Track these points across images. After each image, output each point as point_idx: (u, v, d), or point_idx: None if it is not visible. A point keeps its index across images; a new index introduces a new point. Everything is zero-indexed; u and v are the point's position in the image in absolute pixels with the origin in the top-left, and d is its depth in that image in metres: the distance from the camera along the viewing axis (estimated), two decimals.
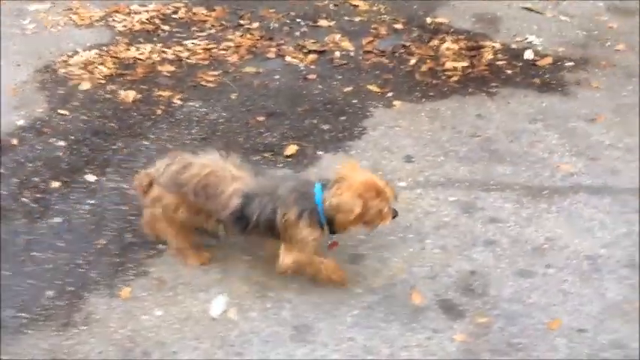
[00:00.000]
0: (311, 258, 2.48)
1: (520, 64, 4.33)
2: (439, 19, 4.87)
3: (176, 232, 2.60)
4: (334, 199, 2.30)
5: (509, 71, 4.25)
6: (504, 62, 4.36)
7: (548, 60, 4.34)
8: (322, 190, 2.37)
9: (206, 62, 4.39)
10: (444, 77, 4.21)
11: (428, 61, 4.42)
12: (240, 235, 2.52)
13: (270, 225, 2.38)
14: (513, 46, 4.52)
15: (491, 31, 4.73)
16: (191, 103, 3.90)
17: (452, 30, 4.76)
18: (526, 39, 4.60)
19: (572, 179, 3.19)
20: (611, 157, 3.34)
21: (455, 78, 4.20)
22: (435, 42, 4.63)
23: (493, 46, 4.56)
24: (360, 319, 2.50)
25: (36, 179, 3.22)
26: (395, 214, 2.43)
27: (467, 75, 4.22)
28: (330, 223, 2.40)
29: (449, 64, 4.37)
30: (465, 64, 4.37)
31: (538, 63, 4.32)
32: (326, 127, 3.71)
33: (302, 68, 4.33)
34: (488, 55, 4.47)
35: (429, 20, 4.87)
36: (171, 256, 2.78)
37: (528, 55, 4.44)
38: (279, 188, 2.38)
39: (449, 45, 4.61)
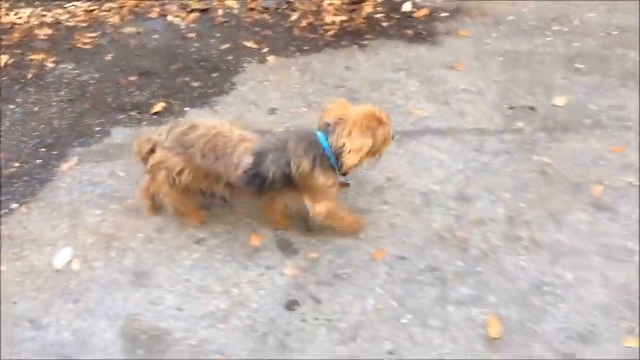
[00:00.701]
0: (337, 206, 2.53)
1: (397, 16, 4.45)
2: None
3: (177, 195, 2.56)
4: (342, 140, 2.31)
5: (385, 24, 4.35)
6: (382, 15, 4.47)
7: (425, 12, 4.46)
8: (326, 136, 2.38)
9: (85, 24, 4.36)
10: (321, 31, 4.29)
11: (309, 16, 4.49)
12: (253, 195, 2.50)
13: (286, 178, 2.38)
14: None
15: None
16: (63, 66, 3.91)
17: None
18: None
19: (421, 123, 3.35)
20: (462, 100, 3.51)
21: (332, 32, 4.28)
22: None
23: (374, 0, 4.63)
24: (198, 261, 2.62)
25: None
26: (393, 135, 2.48)
27: (344, 29, 4.31)
28: (340, 165, 2.40)
29: (328, 19, 4.45)
30: (344, 17, 4.46)
31: (414, 15, 4.44)
32: (197, 84, 3.77)
33: (182, 27, 4.36)
34: (368, 9, 4.55)
35: None
36: (22, 213, 2.84)
37: (406, 7, 4.55)
38: (288, 142, 2.39)
39: (332, 0, 4.67)
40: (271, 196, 2.53)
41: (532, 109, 3.42)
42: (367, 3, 4.61)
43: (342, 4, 4.64)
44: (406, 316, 2.39)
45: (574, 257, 2.57)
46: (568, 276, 2.50)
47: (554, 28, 4.16)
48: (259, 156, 2.38)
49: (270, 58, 3.99)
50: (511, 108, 3.43)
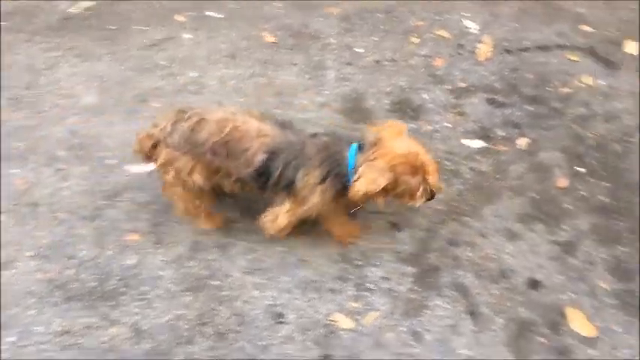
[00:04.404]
0: (300, 217, 2.22)
1: None
2: None
3: (192, 196, 2.25)
4: (364, 165, 2.00)
5: None
6: None
7: None
8: (358, 150, 2.05)
9: None
10: None
11: None
12: (257, 192, 2.21)
13: (289, 184, 2.10)
14: None
15: None
16: None
17: None
18: None
19: None
20: None
21: None
22: None
23: None
24: None
25: None
26: (429, 196, 2.09)
27: None
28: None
29: None
30: None
31: None
32: None
33: None
34: None
35: None
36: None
37: None
38: (308, 145, 2.09)
39: None
40: (273, 195, 2.22)
41: None
42: None
43: None
44: None
45: None
46: None
47: None
48: (272, 154, 2.09)
49: None
50: None
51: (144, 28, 3.62)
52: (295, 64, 3.35)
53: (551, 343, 2.15)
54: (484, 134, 2.94)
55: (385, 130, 2.08)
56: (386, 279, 2.35)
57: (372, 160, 2.00)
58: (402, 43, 3.50)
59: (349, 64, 3.35)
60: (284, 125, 2.15)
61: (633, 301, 2.27)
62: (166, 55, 3.42)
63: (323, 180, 2.08)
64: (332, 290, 2.33)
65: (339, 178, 2.08)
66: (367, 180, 1.98)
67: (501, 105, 3.09)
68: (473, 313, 2.25)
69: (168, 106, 3.07)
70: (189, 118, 2.12)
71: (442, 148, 2.87)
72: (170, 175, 2.18)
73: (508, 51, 3.43)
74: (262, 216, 2.24)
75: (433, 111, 3.07)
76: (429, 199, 2.08)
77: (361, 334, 2.20)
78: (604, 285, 2.31)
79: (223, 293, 2.32)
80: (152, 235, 2.51)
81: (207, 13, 3.74)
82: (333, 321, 2.23)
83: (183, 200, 2.30)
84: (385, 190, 2.01)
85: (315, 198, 2.12)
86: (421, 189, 2.05)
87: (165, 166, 2.17)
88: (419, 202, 2.07)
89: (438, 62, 3.35)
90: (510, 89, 3.18)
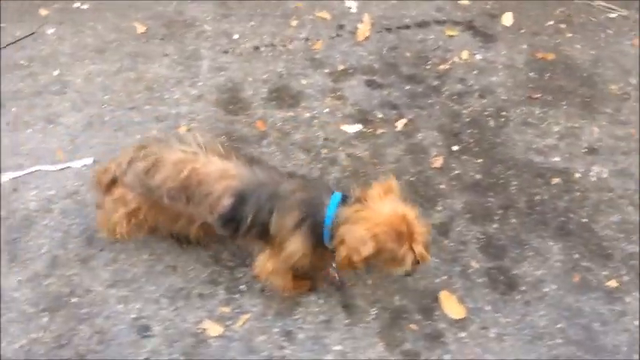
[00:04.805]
0: (287, 271, 2.03)
1: None
2: None
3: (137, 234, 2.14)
4: (344, 228, 1.78)
5: None
6: None
7: None
8: (340, 203, 1.84)
9: None
10: None
11: None
12: (229, 239, 2.11)
13: (264, 229, 1.89)
14: None
15: None
16: None
17: None
18: None
19: None
20: None
21: None
22: None
23: None
24: None
25: None
26: (416, 263, 1.83)
27: None
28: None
29: None
30: None
31: None
32: None
33: None
34: None
35: None
36: None
37: None
38: (282, 185, 1.88)
39: None
40: (245, 242, 2.09)
41: None
42: None
43: None
44: None
45: None
46: None
47: None
48: (241, 197, 1.89)
49: None
50: None
51: (2, 25, 3.36)
52: (167, 55, 3.20)
53: (422, 330, 2.13)
54: (363, 117, 2.89)
55: (374, 188, 1.87)
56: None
57: (353, 224, 1.79)
58: (281, 27, 3.39)
59: (225, 52, 3.22)
60: (252, 161, 1.98)
61: (503, 278, 2.28)
62: (26, 54, 3.19)
63: (298, 225, 1.88)
64: (201, 296, 2.23)
65: (314, 229, 1.87)
66: (349, 249, 1.79)
67: (379, 86, 3.05)
68: (347, 306, 2.20)
69: (26, 110, 2.86)
70: (144, 157, 1.97)
71: (321, 136, 2.80)
72: (119, 213, 2.06)
73: (387, 29, 3.38)
74: (254, 263, 2.07)
75: (312, 97, 2.99)
76: (415, 265, 1.87)
77: (231, 340, 2.11)
78: (475, 264, 2.31)
79: (83, 310, 2.18)
80: (5, 252, 2.32)
81: (75, 5, 3.50)
82: (202, 329, 2.13)
83: (128, 234, 2.14)
84: (367, 258, 1.81)
85: (292, 245, 1.90)
86: (408, 256, 1.83)
87: (116, 203, 2.06)
88: (406, 269, 1.88)
89: (318, 45, 3.27)
90: (388, 69, 3.14)
